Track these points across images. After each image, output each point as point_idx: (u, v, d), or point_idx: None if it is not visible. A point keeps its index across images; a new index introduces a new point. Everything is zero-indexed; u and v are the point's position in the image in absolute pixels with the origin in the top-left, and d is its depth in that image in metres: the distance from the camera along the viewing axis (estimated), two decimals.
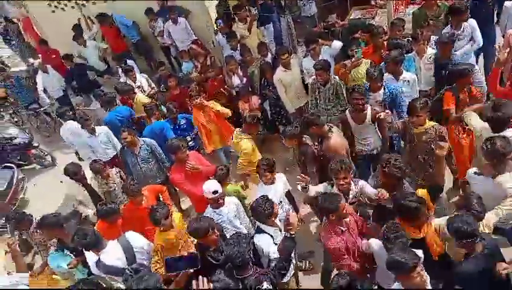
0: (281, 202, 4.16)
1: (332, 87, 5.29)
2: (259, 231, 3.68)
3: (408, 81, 4.96)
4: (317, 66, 5.22)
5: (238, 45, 7.06)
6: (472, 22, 5.24)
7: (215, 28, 7.98)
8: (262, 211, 3.52)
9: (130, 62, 8.18)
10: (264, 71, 6.32)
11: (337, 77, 5.41)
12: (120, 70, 7.79)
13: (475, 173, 3.50)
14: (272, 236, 3.61)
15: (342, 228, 3.45)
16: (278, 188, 4.21)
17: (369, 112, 4.54)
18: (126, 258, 3.76)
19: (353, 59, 5.36)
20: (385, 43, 5.57)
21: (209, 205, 4.15)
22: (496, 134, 3.51)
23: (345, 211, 3.40)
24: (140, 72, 8.05)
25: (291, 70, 5.88)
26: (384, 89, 4.81)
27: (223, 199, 4.15)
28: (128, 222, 4.44)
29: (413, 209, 3.10)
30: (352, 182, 3.81)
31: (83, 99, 9.29)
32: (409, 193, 3.34)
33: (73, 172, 5.02)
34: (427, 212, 3.25)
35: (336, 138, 4.47)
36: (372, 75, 4.74)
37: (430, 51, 5.18)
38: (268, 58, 6.65)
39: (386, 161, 3.56)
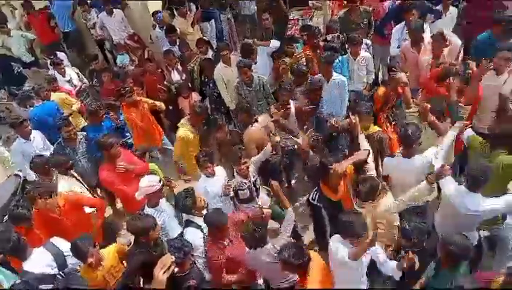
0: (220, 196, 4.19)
1: (258, 85, 5.40)
2: (187, 223, 3.70)
3: (338, 83, 5.10)
4: (239, 65, 5.29)
5: (177, 39, 6.92)
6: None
7: (153, 22, 7.76)
8: (184, 204, 3.62)
9: (60, 55, 7.65)
10: (204, 67, 6.24)
11: (263, 76, 5.55)
12: (48, 62, 7.28)
13: (388, 156, 3.98)
14: (200, 226, 3.63)
15: (224, 242, 3.52)
16: (220, 179, 4.25)
17: (292, 107, 4.85)
18: (57, 264, 3.48)
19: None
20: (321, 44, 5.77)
21: (146, 204, 3.99)
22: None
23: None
24: (72, 66, 7.59)
25: (231, 67, 5.87)
26: None
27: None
28: (44, 229, 3.94)
29: (326, 169, 3.60)
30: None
31: (4, 93, 8.53)
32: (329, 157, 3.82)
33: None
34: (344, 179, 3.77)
35: (255, 130, 4.65)
36: (298, 72, 4.87)
37: (363, 53, 5.46)
38: (209, 54, 6.59)
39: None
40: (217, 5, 7.95)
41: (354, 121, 4.11)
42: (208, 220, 3.49)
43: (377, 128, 4.38)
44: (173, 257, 2.54)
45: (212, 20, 7.87)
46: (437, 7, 5.92)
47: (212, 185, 4.16)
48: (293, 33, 7.22)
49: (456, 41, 5.18)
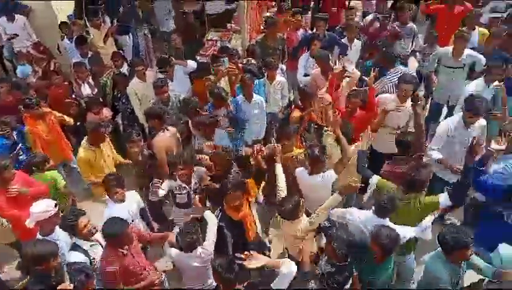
0: (133, 220, 3.93)
1: (174, 103, 5.39)
2: (73, 247, 3.43)
3: (258, 103, 5.31)
4: (156, 84, 5.25)
5: (89, 52, 6.57)
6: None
7: (61, 34, 7.29)
8: (65, 224, 3.39)
9: None
10: (117, 82, 5.98)
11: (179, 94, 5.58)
12: None
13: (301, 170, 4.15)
14: (86, 251, 3.41)
15: (123, 251, 3.39)
16: (131, 206, 3.98)
17: None
18: None
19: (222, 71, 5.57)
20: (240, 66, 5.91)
21: (38, 232, 3.56)
22: None
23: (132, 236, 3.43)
24: None
25: (146, 83, 5.71)
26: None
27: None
28: None
29: (227, 189, 3.64)
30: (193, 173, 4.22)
31: None
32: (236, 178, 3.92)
33: None
34: (246, 197, 3.83)
35: (162, 138, 4.63)
36: (215, 94, 4.99)
37: (279, 77, 5.71)
38: (124, 69, 6.35)
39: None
40: (134, 19, 7.73)
41: (276, 147, 4.17)
42: (104, 229, 3.32)
43: (298, 151, 4.38)
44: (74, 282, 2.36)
45: (129, 34, 7.65)
46: (343, 40, 6.45)
47: (117, 213, 3.69)
48: (211, 53, 7.30)
49: (357, 72, 5.60)
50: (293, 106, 6.14)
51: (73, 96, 6.16)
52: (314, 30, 6.65)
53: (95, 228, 3.43)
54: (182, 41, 6.76)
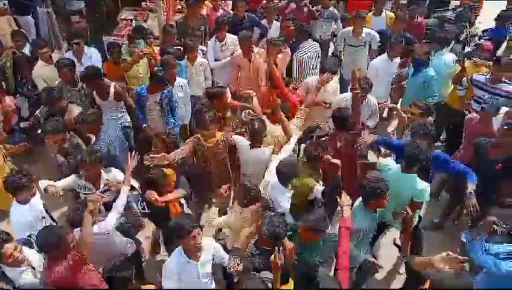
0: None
1: (81, 89, 5.00)
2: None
3: (181, 86, 5.15)
4: (61, 64, 4.86)
5: None
6: None
7: None
8: None
9: None
10: (19, 64, 5.40)
11: None
12: None
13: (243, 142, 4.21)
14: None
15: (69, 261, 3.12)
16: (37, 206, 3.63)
17: None
18: None
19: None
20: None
21: None
22: None
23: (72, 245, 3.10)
24: None
25: (53, 65, 5.18)
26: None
27: None
28: None
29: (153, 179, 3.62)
30: (102, 171, 3.88)
31: None
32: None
33: None
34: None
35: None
36: (157, 76, 4.73)
37: (200, 59, 5.57)
38: (27, 50, 5.73)
39: None
40: None
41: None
42: (39, 242, 3.01)
43: (221, 133, 4.27)
44: None
45: (29, 15, 6.89)
46: (262, 21, 6.50)
47: (24, 215, 3.46)
48: (126, 33, 6.90)
49: (288, 50, 5.71)
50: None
51: None
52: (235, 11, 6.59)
53: (22, 253, 3.01)
54: (91, 21, 6.28)
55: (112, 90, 4.85)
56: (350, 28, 6.12)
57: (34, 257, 3.16)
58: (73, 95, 4.92)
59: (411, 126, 4.30)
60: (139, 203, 3.93)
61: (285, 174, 3.65)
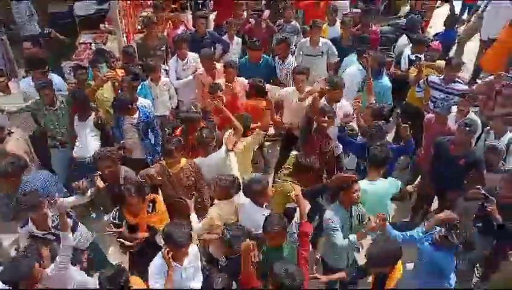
0: None
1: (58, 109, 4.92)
2: None
3: (144, 106, 5.03)
4: (42, 85, 4.81)
5: None
6: None
7: None
8: None
9: None
10: None
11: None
12: None
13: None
14: None
15: None
16: None
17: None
18: None
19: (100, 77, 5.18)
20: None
21: None
22: None
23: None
24: None
25: (11, 95, 5.14)
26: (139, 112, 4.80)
27: None
28: None
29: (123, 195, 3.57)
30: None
31: None
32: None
33: None
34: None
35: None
36: (120, 101, 4.69)
37: (163, 78, 5.56)
38: None
39: None
40: None
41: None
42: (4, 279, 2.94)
43: (184, 160, 4.21)
44: None
45: None
46: (224, 37, 6.57)
47: None
48: (85, 57, 6.79)
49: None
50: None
51: None
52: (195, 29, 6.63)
53: None
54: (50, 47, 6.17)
55: (92, 116, 4.82)
56: (307, 39, 6.29)
57: None
58: (50, 114, 4.87)
59: (364, 131, 4.51)
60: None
61: (255, 191, 3.66)
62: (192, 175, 4.15)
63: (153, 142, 4.93)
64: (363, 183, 3.83)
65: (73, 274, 3.37)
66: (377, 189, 3.86)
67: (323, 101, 4.71)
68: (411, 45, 6.12)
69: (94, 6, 7.98)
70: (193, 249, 3.41)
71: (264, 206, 3.74)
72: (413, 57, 5.86)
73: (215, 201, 4.01)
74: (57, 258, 3.23)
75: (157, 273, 3.20)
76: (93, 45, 7.12)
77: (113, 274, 2.87)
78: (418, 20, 6.76)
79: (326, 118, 4.41)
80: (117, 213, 3.74)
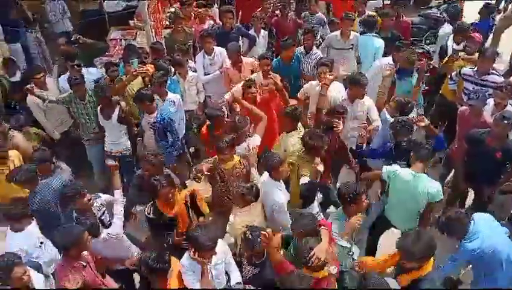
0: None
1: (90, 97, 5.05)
2: None
3: (173, 101, 5.09)
4: (71, 82, 4.96)
5: None
6: None
7: None
8: None
9: None
10: (10, 92, 5.43)
11: None
12: None
13: None
14: None
15: (82, 262, 3.25)
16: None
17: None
18: None
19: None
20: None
21: None
22: None
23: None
24: None
25: (48, 91, 5.26)
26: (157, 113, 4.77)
27: None
28: None
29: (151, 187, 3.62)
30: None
31: None
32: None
33: None
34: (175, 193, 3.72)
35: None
36: (143, 97, 4.71)
37: (191, 73, 5.61)
38: (17, 76, 5.77)
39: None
40: (22, 23, 6.98)
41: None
42: (58, 241, 3.27)
43: (238, 157, 4.22)
44: None
45: (18, 43, 6.85)
46: (250, 31, 6.56)
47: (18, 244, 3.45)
48: (115, 53, 6.94)
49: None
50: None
51: None
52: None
53: (30, 277, 3.12)
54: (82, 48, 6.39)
55: (116, 112, 4.90)
56: (337, 32, 6.12)
57: (39, 280, 3.27)
58: (81, 107, 5.02)
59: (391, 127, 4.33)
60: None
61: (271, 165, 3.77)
62: (241, 175, 4.13)
63: (170, 144, 4.90)
64: (406, 172, 3.75)
65: (125, 237, 3.71)
66: (417, 183, 3.70)
67: (344, 96, 4.67)
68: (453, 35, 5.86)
69: (123, 2, 8.17)
70: (221, 245, 3.31)
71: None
72: (460, 47, 5.59)
73: (234, 209, 3.97)
74: (113, 210, 3.71)
75: (190, 273, 3.17)
76: (123, 41, 7.26)
77: (157, 255, 3.00)
78: (459, 8, 6.52)
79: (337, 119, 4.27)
80: (151, 208, 3.71)
